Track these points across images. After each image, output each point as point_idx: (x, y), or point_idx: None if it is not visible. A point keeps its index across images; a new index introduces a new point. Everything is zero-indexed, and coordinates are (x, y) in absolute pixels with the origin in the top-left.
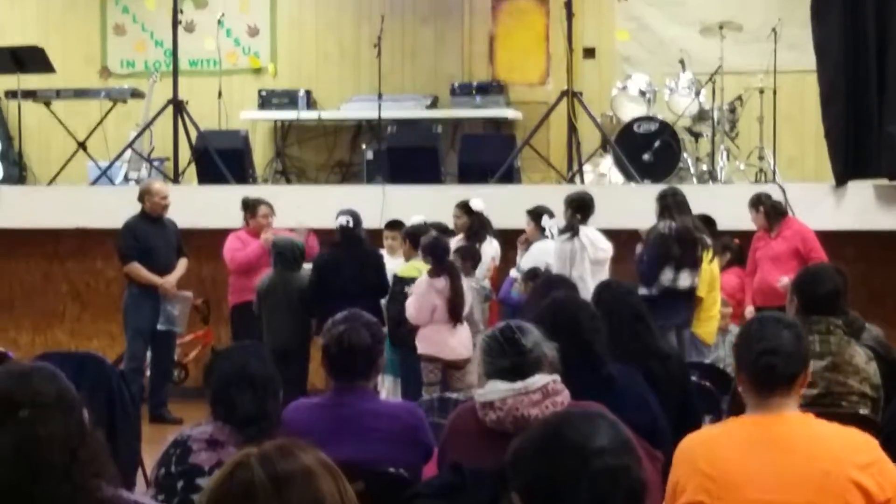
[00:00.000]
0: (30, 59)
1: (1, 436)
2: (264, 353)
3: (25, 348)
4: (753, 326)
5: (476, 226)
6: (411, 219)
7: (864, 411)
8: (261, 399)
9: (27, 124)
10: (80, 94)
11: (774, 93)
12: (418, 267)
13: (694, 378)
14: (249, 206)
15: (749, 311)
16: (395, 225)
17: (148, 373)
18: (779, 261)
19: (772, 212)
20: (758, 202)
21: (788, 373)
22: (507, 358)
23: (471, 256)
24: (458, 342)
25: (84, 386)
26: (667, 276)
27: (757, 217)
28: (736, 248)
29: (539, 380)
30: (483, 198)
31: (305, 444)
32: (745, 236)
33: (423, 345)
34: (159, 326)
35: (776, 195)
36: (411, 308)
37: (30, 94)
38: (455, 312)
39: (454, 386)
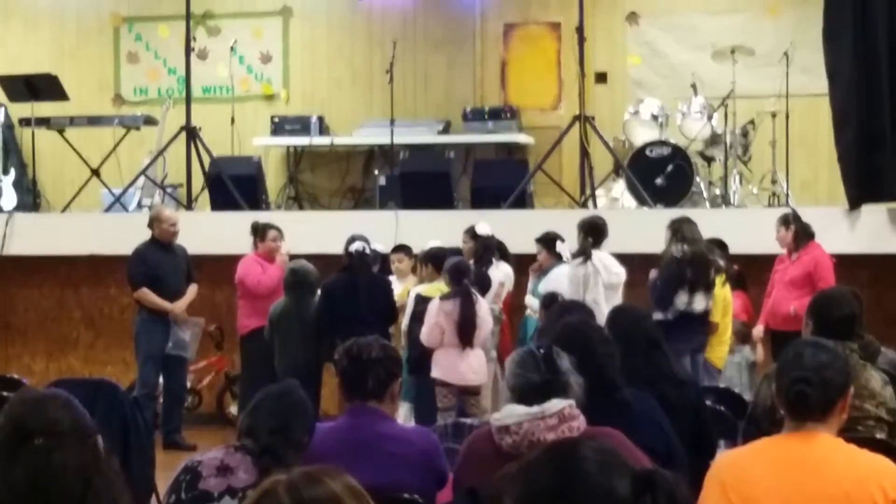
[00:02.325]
0: (44, 86)
1: (15, 466)
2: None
3: (39, 375)
4: (791, 352)
5: (481, 250)
6: (428, 244)
7: (880, 435)
8: (286, 431)
9: (41, 151)
10: (94, 121)
11: (787, 116)
12: (441, 288)
13: (709, 402)
14: (259, 231)
15: (758, 331)
16: (402, 248)
17: (161, 399)
18: (792, 285)
19: (801, 233)
20: (788, 221)
21: (822, 402)
22: (539, 374)
23: (479, 282)
24: (469, 367)
25: (98, 412)
26: (681, 299)
27: (785, 235)
28: (734, 273)
29: (556, 404)
30: (495, 223)
31: (335, 470)
32: (758, 261)
33: (436, 369)
34: (169, 351)
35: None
36: (423, 330)
37: (44, 122)
38: (464, 336)
39: (470, 412)
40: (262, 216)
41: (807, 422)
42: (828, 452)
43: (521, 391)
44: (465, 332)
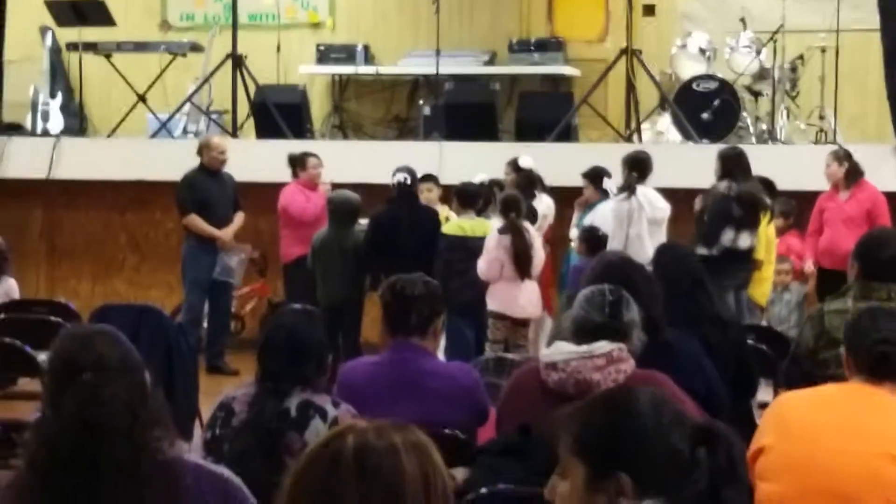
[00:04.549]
0: (91, 12)
1: (65, 399)
2: (316, 317)
3: (85, 297)
4: (865, 318)
5: (523, 183)
6: (475, 177)
7: None
8: (300, 364)
9: (88, 76)
10: (140, 47)
11: (837, 52)
12: (462, 225)
13: (750, 341)
14: (298, 160)
15: (809, 266)
16: (429, 178)
17: (205, 324)
18: (851, 223)
19: (853, 170)
20: (841, 157)
21: None
22: (601, 315)
23: (528, 213)
24: (528, 300)
25: (143, 338)
26: (727, 236)
27: (837, 171)
28: (794, 212)
29: (604, 346)
30: (540, 156)
31: (404, 423)
32: (804, 197)
33: (493, 302)
34: (216, 277)
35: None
36: (481, 264)
37: (91, 47)
38: (521, 268)
39: (518, 342)
40: (306, 145)
41: (885, 382)
42: None
43: (578, 326)
44: (522, 263)
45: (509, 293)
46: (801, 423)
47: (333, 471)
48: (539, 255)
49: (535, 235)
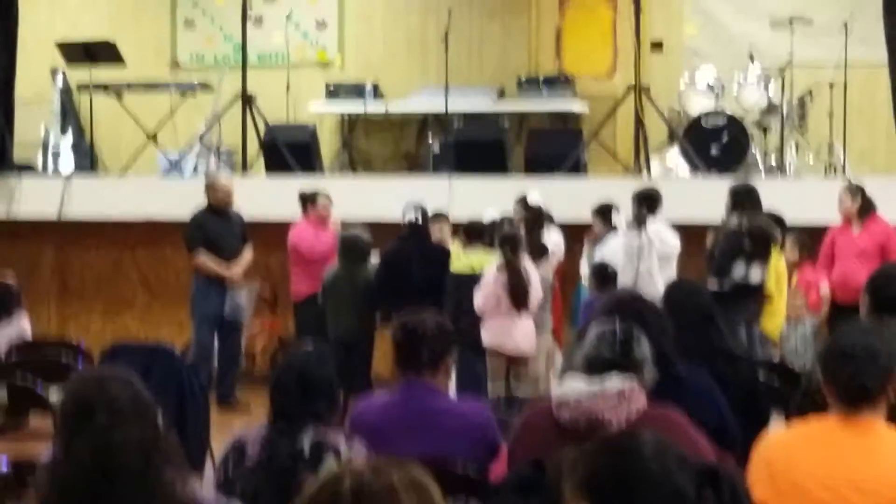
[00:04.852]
0: (101, 52)
1: (78, 442)
2: (327, 355)
3: (96, 335)
4: (843, 340)
5: (532, 219)
6: (485, 213)
7: None
8: (312, 402)
9: (99, 116)
10: (151, 87)
11: (845, 87)
12: (471, 263)
13: (762, 377)
14: (308, 198)
15: (825, 289)
16: (441, 217)
17: (216, 361)
18: (864, 256)
19: (865, 205)
20: (857, 191)
21: (878, 389)
22: (611, 353)
23: (534, 250)
24: (522, 336)
25: (154, 377)
26: (738, 271)
27: (851, 206)
28: (810, 244)
29: (616, 383)
30: (549, 192)
31: (402, 463)
32: (814, 231)
33: (487, 335)
34: (227, 316)
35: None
36: (478, 298)
37: (101, 87)
38: (517, 302)
39: (517, 379)
40: (316, 181)
41: (861, 410)
42: (881, 441)
43: (590, 363)
44: (517, 298)
45: (504, 328)
46: (787, 477)
47: None
48: (536, 292)
49: (534, 271)
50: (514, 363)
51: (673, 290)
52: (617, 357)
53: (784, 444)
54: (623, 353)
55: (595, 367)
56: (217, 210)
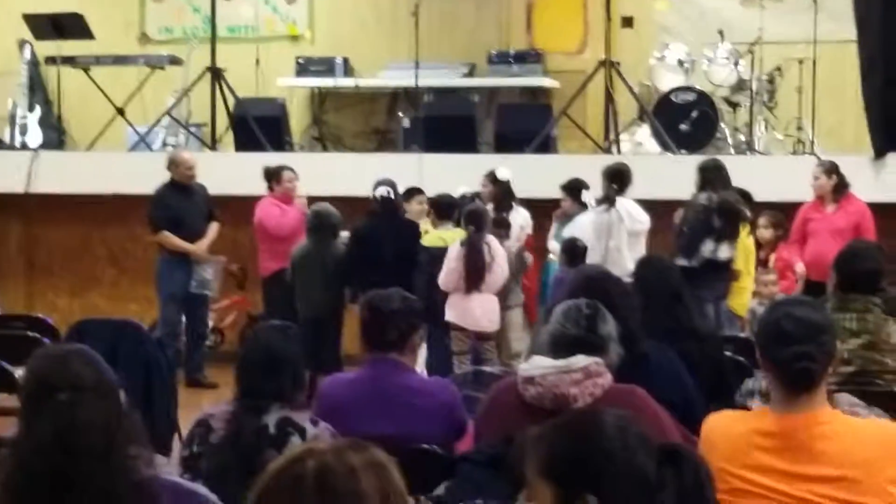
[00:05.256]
0: (70, 25)
1: (40, 420)
2: (292, 332)
3: (63, 312)
4: (785, 324)
5: (500, 195)
6: (458, 189)
7: None
8: (277, 379)
9: (67, 90)
10: (119, 60)
11: (814, 63)
12: (442, 236)
13: (729, 353)
14: (273, 174)
15: (800, 268)
16: (418, 191)
17: (183, 338)
18: (839, 235)
19: (840, 183)
20: (833, 170)
21: (821, 371)
22: (577, 329)
23: (502, 225)
24: (483, 313)
25: (121, 353)
26: (707, 247)
27: (825, 184)
28: (784, 223)
29: (581, 360)
30: (519, 168)
31: (362, 443)
32: (783, 208)
33: (450, 313)
34: (193, 290)
35: (813, 166)
36: (441, 275)
37: (69, 60)
38: (471, 281)
39: (485, 356)
40: (286, 157)
41: (803, 394)
42: (829, 431)
43: (555, 340)
44: (473, 277)
45: (463, 305)
46: (734, 469)
47: (295, 494)
48: (500, 269)
49: (498, 249)
50: (480, 339)
51: (644, 267)
52: (582, 333)
53: (728, 431)
54: (588, 330)
55: (560, 343)
56: (180, 186)
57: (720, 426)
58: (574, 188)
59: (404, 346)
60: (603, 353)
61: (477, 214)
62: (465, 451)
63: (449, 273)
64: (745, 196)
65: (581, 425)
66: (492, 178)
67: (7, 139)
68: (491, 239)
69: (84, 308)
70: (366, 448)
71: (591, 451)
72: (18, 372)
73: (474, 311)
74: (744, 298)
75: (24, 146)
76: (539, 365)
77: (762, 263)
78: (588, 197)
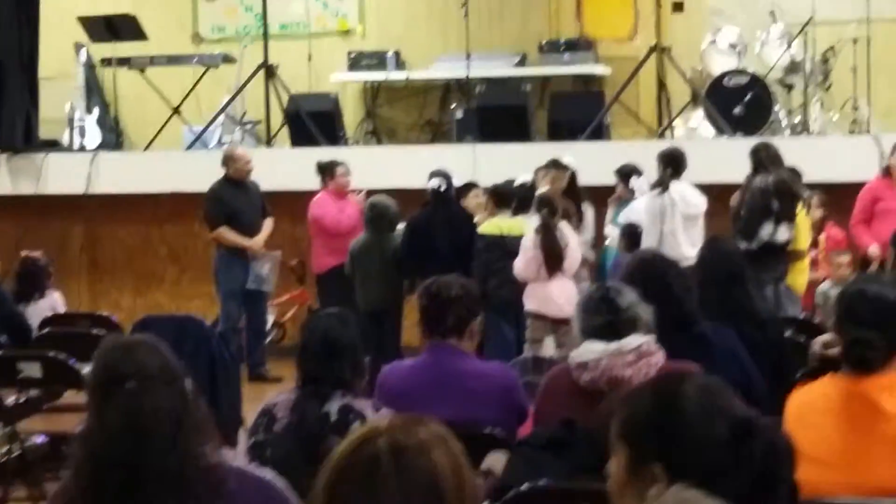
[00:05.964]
0: (123, 27)
1: (110, 408)
2: (350, 319)
3: (127, 310)
4: (856, 303)
5: (568, 183)
6: (518, 178)
7: None
8: (336, 365)
9: (122, 91)
10: (173, 60)
11: (868, 42)
12: (499, 224)
13: (788, 334)
14: (327, 169)
15: (874, 249)
16: (473, 185)
17: (244, 333)
18: None
19: None
20: None
21: (886, 355)
22: (601, 316)
23: (577, 213)
24: (565, 299)
25: (185, 348)
26: (766, 230)
27: None
28: (833, 203)
29: (633, 340)
30: (573, 155)
31: (424, 418)
32: (839, 188)
33: (530, 301)
34: (249, 286)
35: (871, 146)
36: (518, 263)
37: (124, 62)
38: (551, 265)
39: (562, 341)
40: (340, 152)
41: (868, 374)
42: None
43: (588, 334)
44: (552, 260)
45: (545, 292)
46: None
47: (372, 474)
48: (575, 253)
49: (572, 234)
50: (558, 325)
51: (706, 248)
52: (607, 316)
53: (801, 400)
54: (610, 311)
55: (595, 334)
56: (235, 181)
57: (797, 394)
58: (627, 172)
59: (463, 332)
60: (639, 325)
61: (548, 199)
62: (524, 435)
63: (528, 262)
64: (795, 174)
65: (663, 389)
66: (557, 164)
67: (66, 142)
68: (563, 224)
69: (147, 306)
70: (427, 422)
71: (667, 417)
72: (85, 369)
73: (557, 298)
74: (803, 278)
75: (82, 148)
76: (591, 350)
77: (813, 244)
78: (634, 182)
